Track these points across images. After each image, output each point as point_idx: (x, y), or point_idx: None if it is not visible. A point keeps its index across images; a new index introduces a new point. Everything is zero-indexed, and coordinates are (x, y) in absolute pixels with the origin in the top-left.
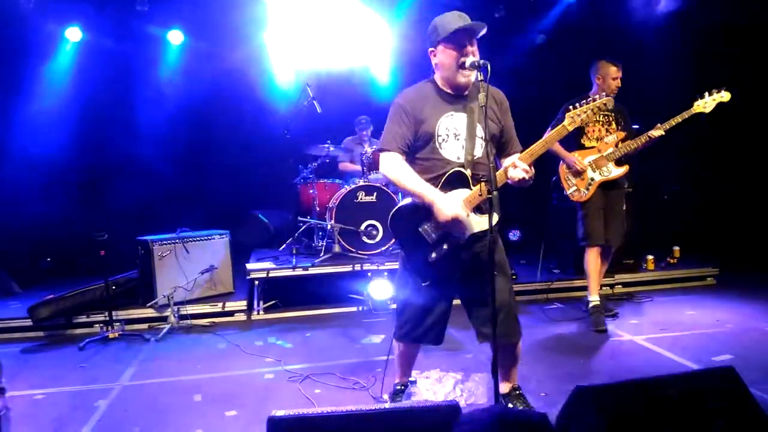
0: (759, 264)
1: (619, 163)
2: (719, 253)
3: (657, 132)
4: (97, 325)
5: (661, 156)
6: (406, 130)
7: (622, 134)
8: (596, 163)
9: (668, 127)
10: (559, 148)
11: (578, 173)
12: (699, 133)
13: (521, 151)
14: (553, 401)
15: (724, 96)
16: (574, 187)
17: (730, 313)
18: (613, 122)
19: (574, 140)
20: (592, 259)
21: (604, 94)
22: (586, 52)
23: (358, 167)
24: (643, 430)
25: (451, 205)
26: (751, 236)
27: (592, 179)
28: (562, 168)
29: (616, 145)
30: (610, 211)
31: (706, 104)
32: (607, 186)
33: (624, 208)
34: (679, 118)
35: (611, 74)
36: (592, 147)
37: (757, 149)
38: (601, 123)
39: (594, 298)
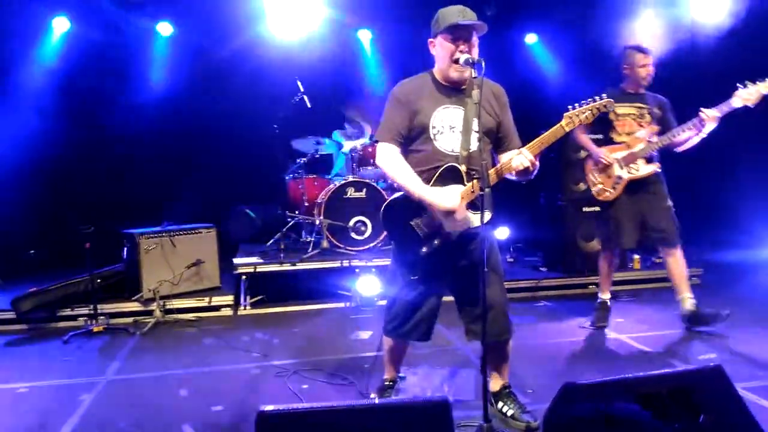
0: (742, 264)
1: (649, 160)
2: (703, 253)
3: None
4: (82, 319)
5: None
6: (400, 121)
7: (656, 128)
8: (625, 160)
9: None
10: (587, 142)
11: (604, 170)
12: None
13: (520, 147)
14: (540, 398)
15: None
16: (600, 185)
17: None
18: (647, 115)
19: (602, 135)
20: (605, 262)
21: (634, 84)
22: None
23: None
24: (631, 427)
25: (450, 197)
26: (734, 235)
27: (620, 177)
28: (588, 164)
29: (649, 141)
30: (654, 209)
31: (749, 95)
32: (640, 185)
33: (670, 204)
34: (717, 112)
35: (638, 62)
36: (622, 142)
37: (743, 145)
38: (633, 117)
39: (604, 296)
